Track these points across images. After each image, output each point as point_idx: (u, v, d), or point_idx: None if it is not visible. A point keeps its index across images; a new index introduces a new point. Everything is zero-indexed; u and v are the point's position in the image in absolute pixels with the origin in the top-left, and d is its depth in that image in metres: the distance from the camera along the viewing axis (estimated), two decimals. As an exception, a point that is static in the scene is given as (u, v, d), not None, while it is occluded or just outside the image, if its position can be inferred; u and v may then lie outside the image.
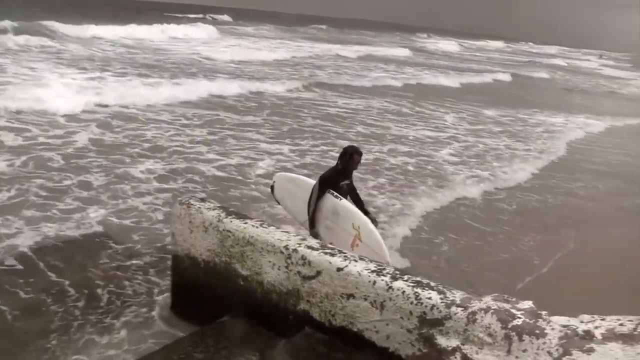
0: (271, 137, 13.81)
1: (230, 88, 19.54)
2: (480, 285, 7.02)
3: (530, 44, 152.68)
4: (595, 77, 58.34)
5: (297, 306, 4.41)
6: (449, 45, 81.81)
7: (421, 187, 11.19)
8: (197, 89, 18.53)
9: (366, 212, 6.57)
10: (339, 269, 4.09)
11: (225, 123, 14.79)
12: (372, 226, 5.94)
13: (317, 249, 4.30)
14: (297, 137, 14.00)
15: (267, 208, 9.05)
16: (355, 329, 4.08)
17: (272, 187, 7.37)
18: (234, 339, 4.65)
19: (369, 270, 3.99)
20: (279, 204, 7.51)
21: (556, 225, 10.11)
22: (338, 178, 6.34)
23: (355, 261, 4.12)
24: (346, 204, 6.15)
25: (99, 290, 6.15)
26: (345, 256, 4.19)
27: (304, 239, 4.47)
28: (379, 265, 4.08)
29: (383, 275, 3.94)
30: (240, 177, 10.48)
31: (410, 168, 12.57)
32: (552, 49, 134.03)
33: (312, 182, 6.70)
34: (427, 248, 8.37)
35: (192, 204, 5.16)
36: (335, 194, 6.21)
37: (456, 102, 24.49)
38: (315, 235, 6.21)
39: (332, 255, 4.21)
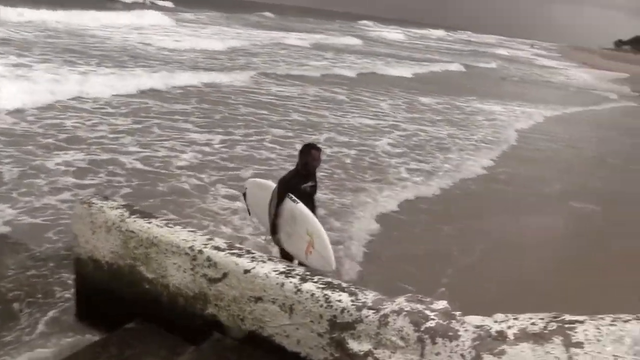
0: (201, 126, 13.34)
1: (163, 76, 18.80)
2: (403, 278, 6.92)
3: (469, 32, 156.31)
4: (531, 66, 60.26)
5: (204, 310, 4.11)
6: (396, 34, 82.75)
7: (360, 182, 10.82)
8: (126, 76, 17.77)
9: (310, 205, 6.14)
10: (246, 271, 3.81)
11: (152, 112, 14.18)
12: (324, 233, 5.52)
13: (223, 250, 4.00)
14: (229, 126, 13.58)
15: (201, 204, 8.65)
16: (265, 334, 3.82)
17: (244, 195, 6.71)
18: (139, 347, 4.32)
19: (277, 272, 3.73)
20: (249, 213, 6.86)
21: (481, 214, 10.12)
22: (299, 180, 5.79)
23: (264, 262, 3.86)
24: (302, 208, 5.64)
25: (15, 305, 5.51)
26: (252, 257, 3.91)
27: (211, 239, 4.17)
28: (288, 267, 3.82)
29: (292, 277, 3.68)
30: (165, 170, 9.98)
31: (348, 161, 12.18)
32: (490, 39, 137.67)
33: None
34: (356, 242, 8.06)
35: (93, 203, 4.76)
36: (293, 197, 5.66)
37: (404, 90, 24.60)
38: (277, 242, 5.87)
39: (239, 256, 3.93)
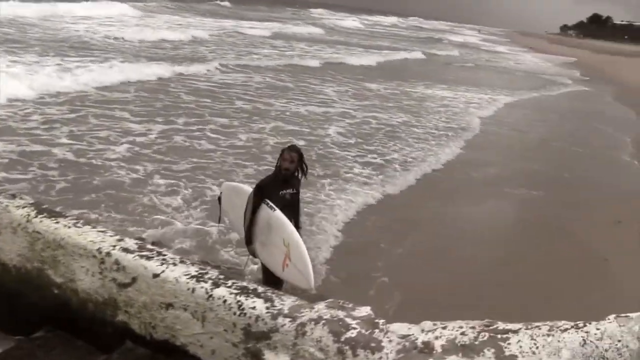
0: (140, 115, 12.79)
1: (105, 66, 17.80)
2: (339, 269, 6.77)
3: (420, 19, 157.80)
4: (487, 53, 61.65)
5: (115, 317, 3.79)
6: (352, 22, 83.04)
7: (309, 176, 10.26)
8: (68, 67, 16.88)
9: (297, 226, 5.54)
10: (155, 275, 3.51)
11: (88, 100, 13.54)
12: (302, 244, 5.03)
13: (133, 252, 3.68)
14: (171, 115, 13.08)
15: (145, 200, 8.25)
16: (178, 343, 3.53)
17: (219, 199, 6.14)
18: (44, 358, 3.97)
19: (188, 276, 3.44)
20: (219, 221, 6.38)
21: (436, 208, 9.85)
22: (276, 186, 5.28)
23: (174, 265, 3.55)
24: (279, 215, 5.16)
25: None
26: (163, 259, 3.61)
27: (121, 240, 3.83)
28: (201, 270, 3.53)
29: (204, 281, 3.40)
30: (100, 162, 9.50)
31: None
32: (441, 25, 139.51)
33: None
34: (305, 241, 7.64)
35: (-3, 201, 4.36)
36: (270, 204, 5.19)
37: (367, 79, 24.41)
38: (252, 252, 5.43)
39: (149, 258, 3.62)
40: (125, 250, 3.71)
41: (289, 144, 5.64)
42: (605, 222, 9.78)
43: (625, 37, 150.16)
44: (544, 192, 11.34)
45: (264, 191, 5.28)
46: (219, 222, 6.43)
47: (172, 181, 9.04)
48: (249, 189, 5.77)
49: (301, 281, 4.97)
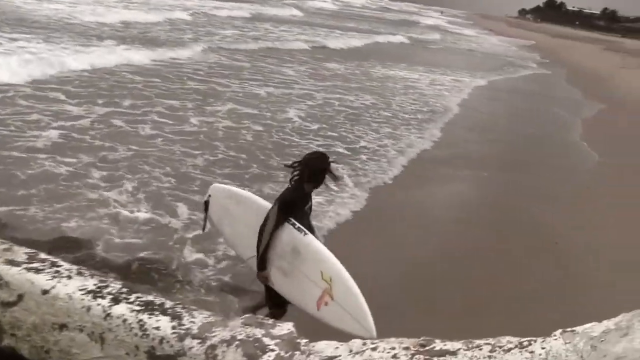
0: (79, 97, 11.85)
1: (48, 45, 16.90)
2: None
3: (387, 0, 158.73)
4: (457, 35, 63.44)
5: (1, 342, 3.27)
6: (324, 3, 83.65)
7: (267, 169, 9.27)
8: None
9: (311, 229, 4.81)
10: (45, 291, 2.99)
11: (19, 84, 12.31)
12: (352, 281, 4.26)
13: (19, 264, 3.14)
14: (116, 97, 12.31)
15: (90, 194, 7.48)
16: (76, 369, 3.01)
17: (206, 203, 5.30)
18: None
19: (84, 292, 2.94)
20: (204, 229, 5.52)
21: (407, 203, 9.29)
22: (302, 201, 4.64)
23: (69, 278, 3.03)
24: (313, 242, 4.48)
25: None
26: (56, 272, 3.09)
27: (8, 250, 3.28)
28: (100, 283, 3.02)
29: (102, 297, 2.89)
30: (27, 154, 8.54)
31: (250, 138, 10.74)
32: (407, 7, 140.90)
33: (264, 201, 4.92)
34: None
35: None
36: (298, 225, 4.51)
37: (357, 61, 24.29)
38: (264, 280, 4.68)
39: (39, 271, 3.08)
40: (11, 262, 3.14)
41: (313, 154, 4.97)
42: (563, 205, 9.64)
43: (577, 22, 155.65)
44: (504, 174, 11.09)
45: (293, 208, 4.58)
46: (203, 230, 5.58)
47: (113, 172, 8.33)
48: (250, 195, 5.12)
49: (352, 327, 4.12)
